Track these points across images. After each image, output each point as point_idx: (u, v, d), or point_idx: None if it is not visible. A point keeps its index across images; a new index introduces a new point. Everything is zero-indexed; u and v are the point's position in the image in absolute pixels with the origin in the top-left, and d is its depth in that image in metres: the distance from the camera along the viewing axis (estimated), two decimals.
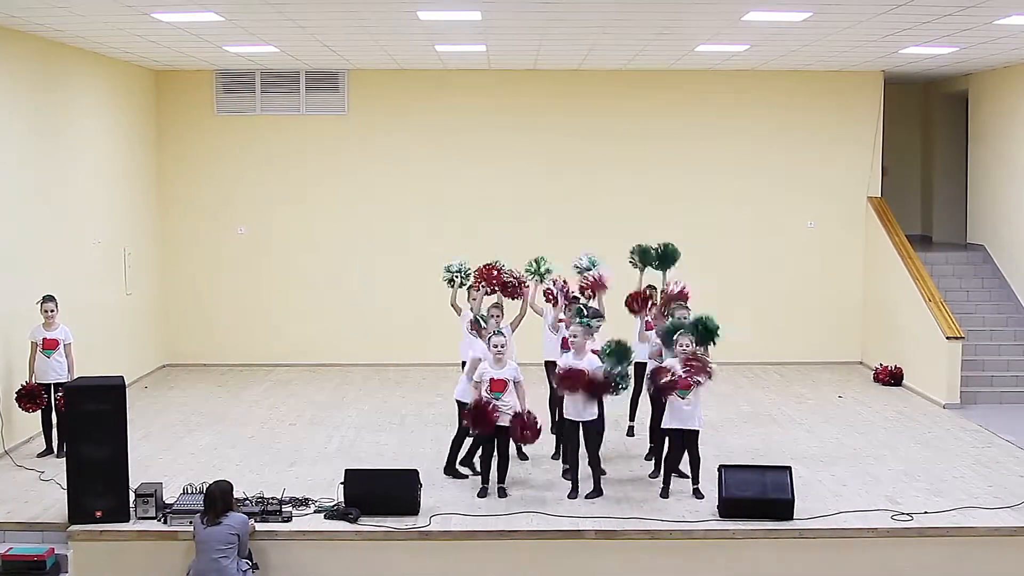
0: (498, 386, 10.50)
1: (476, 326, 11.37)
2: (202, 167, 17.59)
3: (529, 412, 10.57)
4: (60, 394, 11.49)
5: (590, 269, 12.16)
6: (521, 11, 11.92)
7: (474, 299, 11.97)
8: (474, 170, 17.64)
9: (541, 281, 12.31)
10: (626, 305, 11.86)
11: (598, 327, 11.04)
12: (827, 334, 17.81)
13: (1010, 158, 16.43)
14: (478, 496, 10.57)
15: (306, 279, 17.67)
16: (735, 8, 11.63)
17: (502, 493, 10.60)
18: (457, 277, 12.31)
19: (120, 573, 9.56)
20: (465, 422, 10.72)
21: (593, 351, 10.57)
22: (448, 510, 10.12)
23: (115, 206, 15.74)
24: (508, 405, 10.48)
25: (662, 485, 10.66)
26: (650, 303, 11.95)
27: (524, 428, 10.51)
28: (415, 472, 10.33)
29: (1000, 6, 11.10)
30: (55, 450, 11.97)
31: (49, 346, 12.01)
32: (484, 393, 10.51)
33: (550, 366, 11.71)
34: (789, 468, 10.17)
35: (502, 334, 10.83)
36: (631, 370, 10.74)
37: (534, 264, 12.29)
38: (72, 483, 9.69)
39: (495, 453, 10.69)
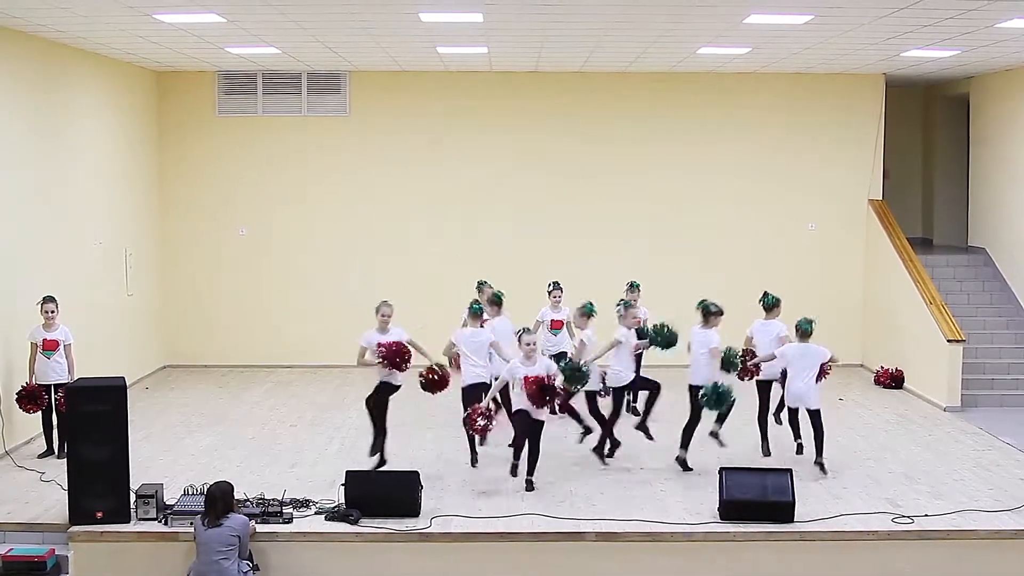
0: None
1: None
2: (203, 168, 17.60)
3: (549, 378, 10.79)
4: (60, 395, 11.49)
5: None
6: (523, 13, 11.92)
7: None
8: (475, 171, 17.65)
9: None
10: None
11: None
12: (827, 336, 17.48)
13: (1011, 161, 16.43)
14: (511, 473, 10.76)
15: (307, 280, 17.68)
16: (737, 11, 11.63)
17: (529, 486, 10.77)
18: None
19: (121, 574, 9.56)
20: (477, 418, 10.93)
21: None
22: (449, 512, 10.13)
23: (116, 207, 15.74)
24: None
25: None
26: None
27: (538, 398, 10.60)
28: (416, 474, 10.34)
29: (1001, 10, 11.10)
30: (56, 451, 11.97)
31: (49, 347, 12.00)
32: (515, 394, 10.80)
33: None
34: (790, 470, 10.18)
35: (530, 331, 11.13)
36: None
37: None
38: (73, 484, 9.69)
39: (527, 444, 10.83)
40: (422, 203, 17.66)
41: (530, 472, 10.83)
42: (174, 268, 17.64)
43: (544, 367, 10.80)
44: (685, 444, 11.69)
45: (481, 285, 13.60)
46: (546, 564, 9.66)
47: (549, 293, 14.09)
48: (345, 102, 17.51)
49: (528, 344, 10.80)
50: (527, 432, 10.72)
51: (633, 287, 14.00)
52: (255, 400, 15.30)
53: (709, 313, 11.75)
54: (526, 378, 10.63)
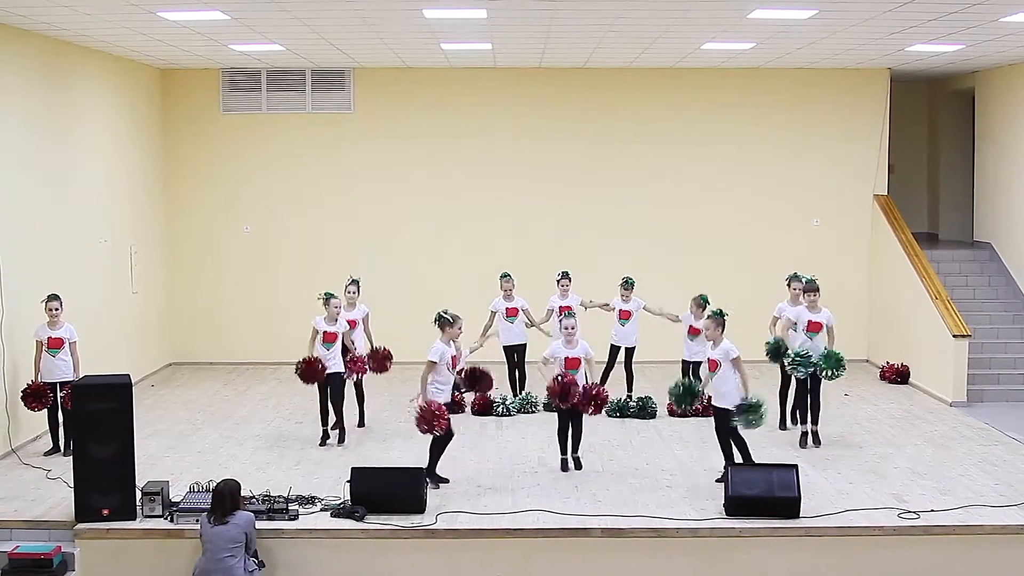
0: (573, 364, 11.33)
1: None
2: (208, 165, 17.60)
3: (594, 384, 11.35)
4: (66, 392, 11.52)
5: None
6: (526, 9, 11.91)
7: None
8: (480, 168, 17.64)
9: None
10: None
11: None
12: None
13: (1017, 156, 16.39)
14: (561, 469, 11.30)
15: (312, 277, 17.62)
16: (741, 5, 11.61)
17: (577, 464, 11.43)
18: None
19: (127, 571, 9.58)
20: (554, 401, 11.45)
21: None
22: (454, 508, 10.12)
23: (121, 204, 15.75)
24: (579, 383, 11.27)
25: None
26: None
27: (586, 401, 11.19)
28: (421, 470, 10.37)
29: (1006, 3, 11.07)
30: (61, 448, 11.98)
31: (54, 345, 12.01)
32: (559, 370, 11.28)
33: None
34: (795, 466, 10.18)
35: (573, 316, 11.81)
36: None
37: None
38: (79, 481, 9.71)
39: (570, 427, 11.46)
40: (428, 200, 17.65)
41: (575, 449, 11.49)
42: (179, 265, 17.66)
43: (583, 349, 11.37)
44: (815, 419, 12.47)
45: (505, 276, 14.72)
46: (552, 560, 9.65)
47: (558, 282, 14.67)
48: (349, 99, 17.50)
49: (568, 328, 11.42)
50: (568, 420, 11.39)
51: (627, 284, 14.37)
52: (260, 397, 15.31)
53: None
54: (567, 358, 11.34)
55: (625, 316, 14.54)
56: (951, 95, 19.11)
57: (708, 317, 11.12)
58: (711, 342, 10.97)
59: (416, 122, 17.57)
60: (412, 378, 14.48)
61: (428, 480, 10.49)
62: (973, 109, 18.08)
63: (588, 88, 17.48)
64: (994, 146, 17.22)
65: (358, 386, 13.35)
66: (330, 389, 12.45)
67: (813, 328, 12.39)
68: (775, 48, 14.89)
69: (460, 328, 11.10)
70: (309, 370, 12.27)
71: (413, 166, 17.62)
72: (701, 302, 13.63)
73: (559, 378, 11.15)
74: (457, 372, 11.79)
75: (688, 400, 11.45)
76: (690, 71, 17.27)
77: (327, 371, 12.38)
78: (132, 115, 16.21)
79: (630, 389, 14.55)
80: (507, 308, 14.58)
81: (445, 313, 11.06)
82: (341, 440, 12.51)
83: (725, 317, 10.94)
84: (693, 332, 13.76)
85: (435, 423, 10.57)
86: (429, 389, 10.81)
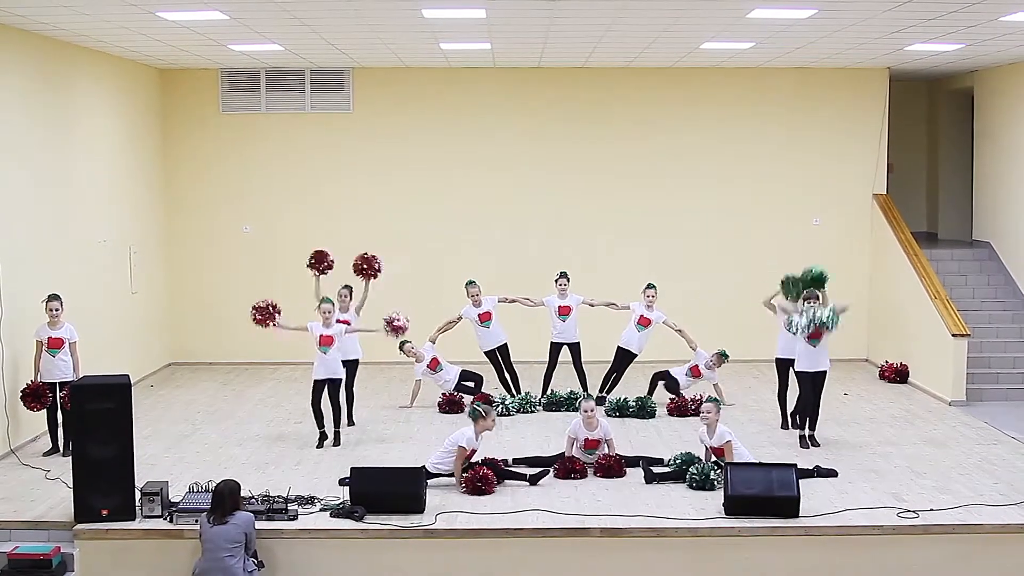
0: (592, 445, 11.39)
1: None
2: (207, 165, 17.60)
3: (609, 456, 11.31)
4: (65, 393, 11.52)
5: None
6: (526, 8, 11.92)
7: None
8: (479, 167, 17.63)
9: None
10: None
11: None
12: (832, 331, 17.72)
13: (1015, 155, 16.39)
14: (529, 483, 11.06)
15: (311, 277, 17.61)
16: (741, 5, 11.61)
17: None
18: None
19: (126, 571, 9.59)
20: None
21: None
22: (454, 508, 10.13)
23: (120, 205, 15.75)
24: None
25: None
26: None
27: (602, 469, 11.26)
28: (421, 470, 10.38)
29: (1006, 3, 11.07)
30: (61, 449, 11.99)
31: (54, 345, 12.02)
32: (577, 451, 11.38)
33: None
34: (795, 465, 10.18)
35: (591, 399, 11.74)
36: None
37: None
38: (78, 482, 9.71)
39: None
40: (428, 200, 17.64)
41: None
42: (178, 266, 17.65)
43: (603, 431, 11.41)
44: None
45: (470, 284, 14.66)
46: (551, 560, 9.66)
47: (556, 282, 14.61)
48: (349, 99, 17.50)
49: (587, 411, 11.35)
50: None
51: (653, 287, 14.32)
52: (260, 397, 15.31)
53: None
54: (587, 439, 11.42)
55: (645, 323, 14.39)
56: (950, 94, 19.12)
57: (708, 400, 11.36)
58: (706, 424, 11.08)
59: (416, 122, 17.56)
60: (411, 377, 14.59)
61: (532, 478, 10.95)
62: (972, 108, 18.08)
63: (588, 88, 17.47)
64: (993, 145, 17.22)
65: (348, 387, 13.37)
66: (328, 392, 12.48)
67: (815, 336, 12.30)
68: (775, 47, 14.89)
69: (494, 420, 11.13)
70: (262, 311, 12.78)
71: (413, 166, 17.61)
72: (722, 358, 14.15)
73: (571, 460, 11.28)
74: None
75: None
76: (690, 71, 17.26)
77: (321, 377, 12.49)
78: (132, 115, 16.21)
79: (604, 389, 14.63)
80: (480, 314, 14.49)
81: (479, 406, 11.09)
82: (336, 442, 12.50)
83: (722, 405, 11.64)
84: (696, 373, 14.29)
85: (485, 487, 10.59)
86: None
